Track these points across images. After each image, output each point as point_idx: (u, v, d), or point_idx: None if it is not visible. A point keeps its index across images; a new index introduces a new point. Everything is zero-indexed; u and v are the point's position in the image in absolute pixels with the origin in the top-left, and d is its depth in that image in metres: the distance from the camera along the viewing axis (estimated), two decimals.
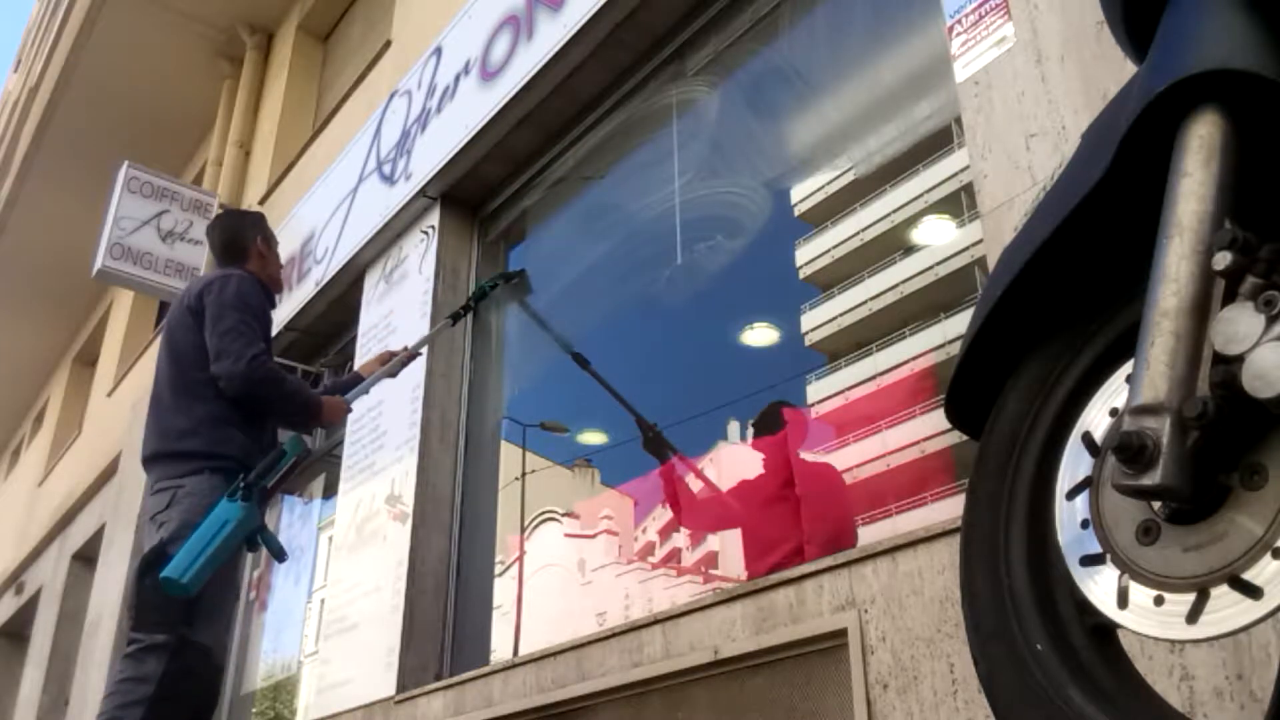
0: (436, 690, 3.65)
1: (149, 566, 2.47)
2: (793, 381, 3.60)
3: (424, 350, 3.62)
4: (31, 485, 11.89)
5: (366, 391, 3.27)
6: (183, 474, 2.65)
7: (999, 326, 1.10)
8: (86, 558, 8.75)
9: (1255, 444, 0.85)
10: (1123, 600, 0.91)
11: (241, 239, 3.04)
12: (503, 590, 4.28)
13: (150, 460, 2.75)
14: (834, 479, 3.34)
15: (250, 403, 2.81)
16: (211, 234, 3.12)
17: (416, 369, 4.52)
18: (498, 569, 4.32)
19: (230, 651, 2.88)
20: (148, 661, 2.43)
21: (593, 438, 4.38)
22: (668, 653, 2.77)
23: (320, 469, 6.16)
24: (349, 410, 3.12)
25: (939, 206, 3.21)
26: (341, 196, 5.61)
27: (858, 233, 3.51)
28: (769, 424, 3.49)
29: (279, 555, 2.78)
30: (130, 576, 5.87)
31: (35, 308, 11.78)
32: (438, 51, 4.91)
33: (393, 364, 3.34)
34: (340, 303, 5.65)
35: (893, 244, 3.39)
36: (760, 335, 3.88)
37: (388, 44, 6.01)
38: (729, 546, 3.84)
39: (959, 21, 2.50)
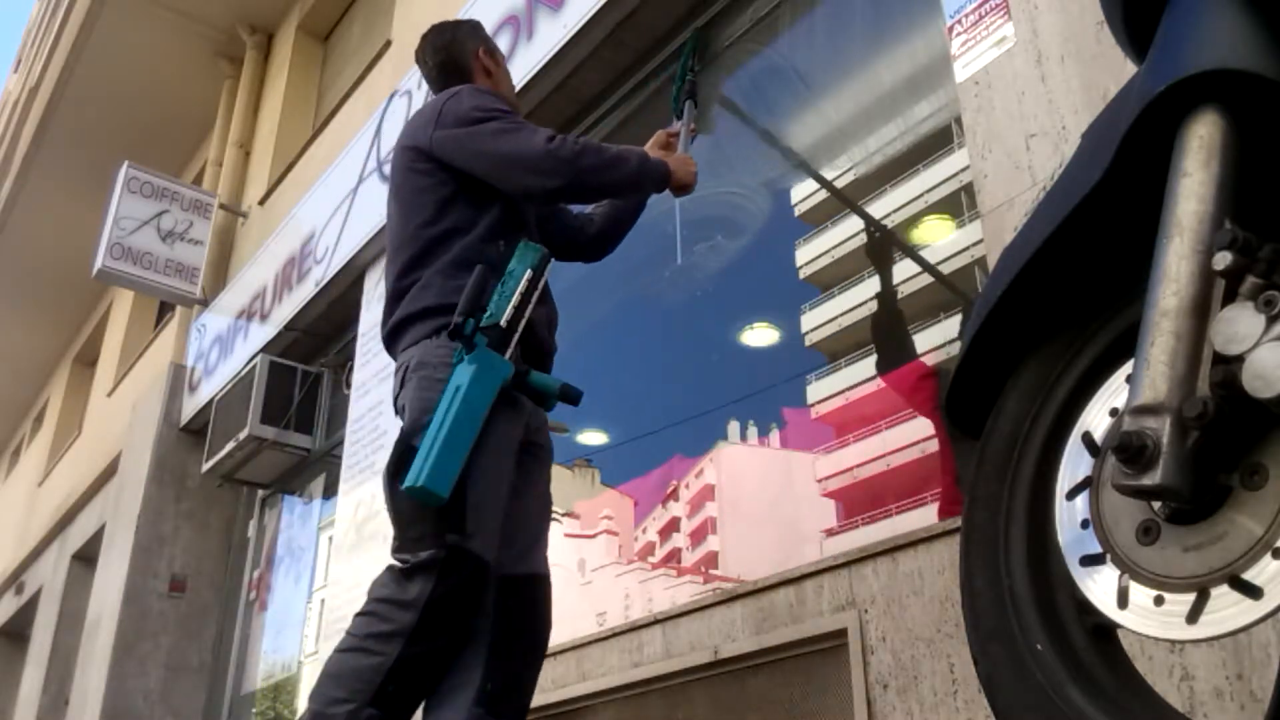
0: None
1: (397, 468, 1.93)
2: (793, 381, 3.60)
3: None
4: (31, 485, 11.89)
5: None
6: (414, 340, 2.06)
7: (999, 326, 1.10)
8: (86, 558, 8.75)
9: (1255, 444, 0.86)
10: (1123, 600, 0.91)
11: (460, 54, 2.42)
12: None
13: (387, 339, 2.18)
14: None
15: (585, 193, 2.25)
16: (423, 58, 2.50)
17: None
18: None
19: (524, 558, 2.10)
20: (414, 581, 1.86)
21: (593, 438, 4.38)
22: (668, 653, 2.77)
23: (320, 469, 6.16)
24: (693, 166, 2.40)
25: (939, 206, 3.20)
26: (342, 196, 5.61)
27: (858, 233, 3.51)
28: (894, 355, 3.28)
29: (568, 396, 2.06)
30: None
31: (35, 308, 11.78)
32: None
33: (684, 139, 2.61)
34: (341, 302, 5.65)
35: (893, 244, 3.39)
36: (760, 335, 3.88)
37: (388, 44, 6.01)
38: (729, 546, 3.83)
39: (959, 21, 2.51)
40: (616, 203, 2.50)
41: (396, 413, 2.10)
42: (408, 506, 1.89)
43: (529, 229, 2.24)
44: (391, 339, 2.15)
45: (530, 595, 2.06)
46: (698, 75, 2.93)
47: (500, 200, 2.15)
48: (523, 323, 1.99)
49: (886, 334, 3.34)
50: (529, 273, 2.01)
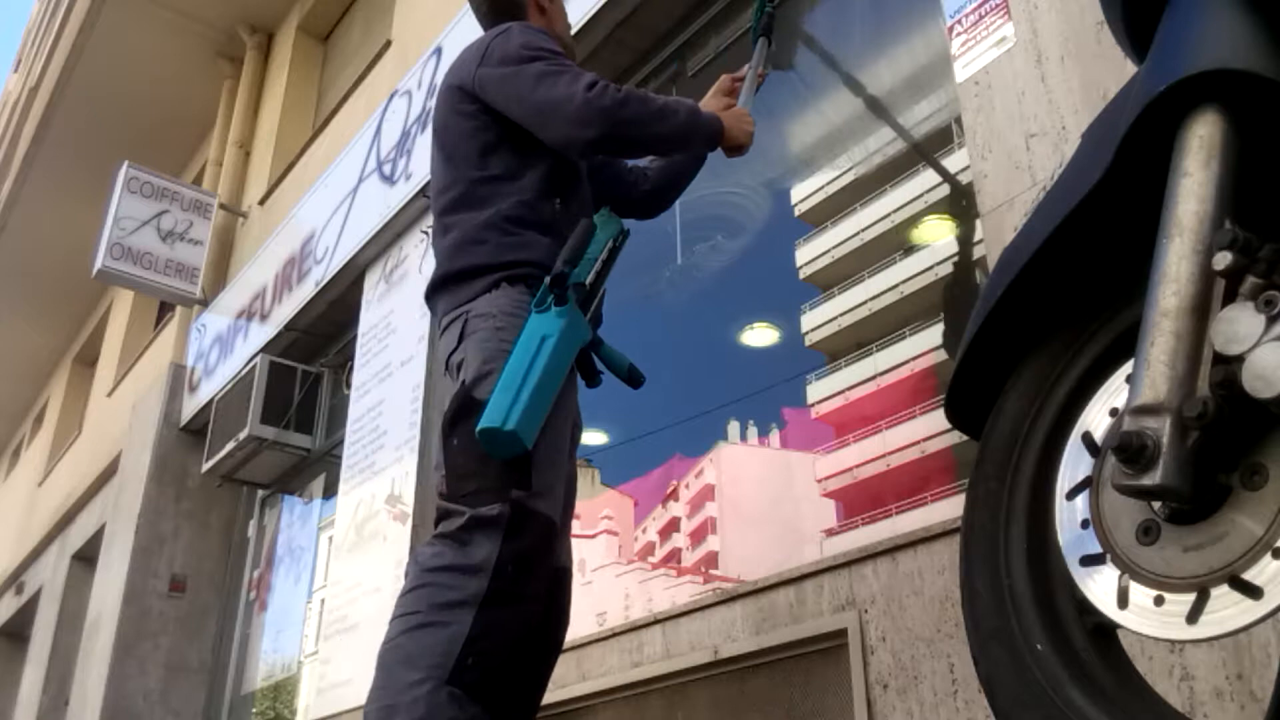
0: None
1: (455, 419, 1.76)
2: (793, 381, 3.60)
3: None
4: (31, 485, 11.89)
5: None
6: (471, 296, 1.89)
7: (999, 326, 1.10)
8: (86, 558, 8.75)
9: (1255, 444, 0.86)
10: (1123, 600, 0.91)
11: None
12: None
13: (431, 294, 2.01)
14: None
15: (626, 147, 2.00)
16: None
17: (416, 369, 4.52)
18: None
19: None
20: (477, 542, 1.65)
21: (593, 438, 4.38)
22: (668, 653, 2.77)
23: (320, 469, 6.16)
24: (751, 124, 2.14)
25: (939, 206, 3.20)
26: (341, 196, 5.61)
27: (858, 233, 3.50)
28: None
29: (632, 379, 1.96)
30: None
31: (35, 308, 11.78)
32: (438, 51, 4.91)
33: (748, 86, 2.33)
34: (340, 303, 5.65)
35: (893, 244, 3.38)
36: (760, 335, 3.88)
37: (388, 44, 6.01)
38: (729, 546, 3.83)
39: (959, 21, 2.51)
40: (673, 156, 2.29)
41: (446, 370, 1.94)
42: (472, 458, 1.71)
43: (581, 181, 2.10)
44: (437, 290, 1.99)
45: (553, 588, 1.87)
46: (777, 8, 2.68)
47: (548, 150, 1.98)
48: (601, 290, 1.90)
49: (959, 305, 3.23)
50: (610, 243, 1.91)
